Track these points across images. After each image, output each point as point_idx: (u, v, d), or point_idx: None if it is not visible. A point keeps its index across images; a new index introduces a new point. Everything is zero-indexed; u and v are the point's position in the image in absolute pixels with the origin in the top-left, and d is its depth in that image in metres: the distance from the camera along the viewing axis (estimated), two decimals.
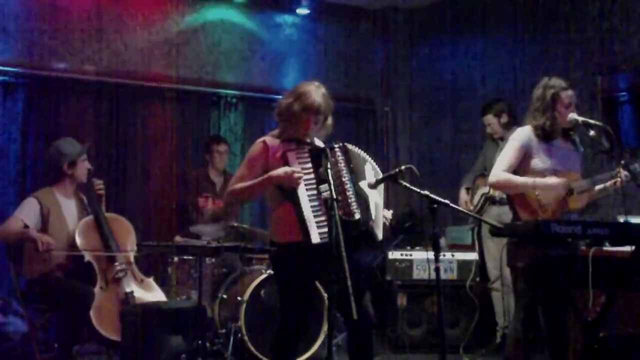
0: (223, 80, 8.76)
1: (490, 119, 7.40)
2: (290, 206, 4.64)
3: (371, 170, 4.84)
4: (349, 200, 4.62)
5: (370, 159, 4.90)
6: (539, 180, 4.91)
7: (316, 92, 4.72)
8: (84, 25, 7.97)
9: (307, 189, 4.60)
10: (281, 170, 4.59)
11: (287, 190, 4.65)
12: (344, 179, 4.65)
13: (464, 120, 9.01)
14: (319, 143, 4.81)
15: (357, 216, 4.63)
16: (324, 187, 4.53)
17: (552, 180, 4.90)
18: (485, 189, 7.27)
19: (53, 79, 7.77)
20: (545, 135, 5.00)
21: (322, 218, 4.56)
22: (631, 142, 7.17)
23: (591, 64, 7.65)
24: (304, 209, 4.55)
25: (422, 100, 9.69)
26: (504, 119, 7.33)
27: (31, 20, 7.71)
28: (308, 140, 4.73)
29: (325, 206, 4.52)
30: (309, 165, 4.64)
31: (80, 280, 6.02)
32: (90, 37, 8.02)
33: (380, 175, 4.82)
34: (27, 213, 6.02)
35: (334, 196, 4.35)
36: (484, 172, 7.45)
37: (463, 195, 7.62)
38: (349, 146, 4.81)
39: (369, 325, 4.72)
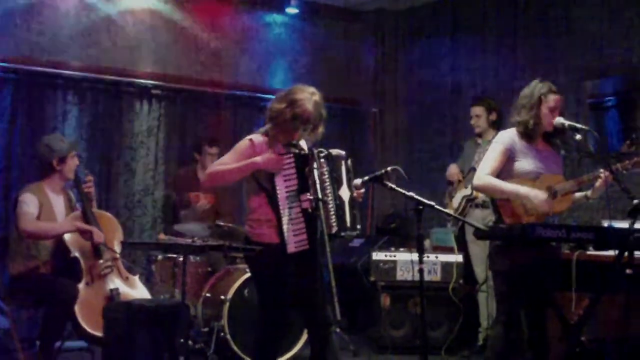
0: (211, 78, 8.75)
1: (480, 110, 7.41)
2: (267, 203, 4.69)
3: (344, 168, 4.88)
4: (329, 213, 4.67)
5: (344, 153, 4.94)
6: (523, 189, 4.90)
7: (309, 101, 4.73)
8: (72, 21, 7.96)
9: (287, 196, 4.64)
10: (265, 156, 4.65)
11: (265, 188, 4.70)
12: (327, 191, 4.69)
13: (452, 123, 9.02)
14: (304, 145, 4.83)
15: (335, 229, 4.73)
16: (304, 196, 4.58)
17: (536, 194, 4.89)
18: (467, 192, 7.27)
19: (40, 75, 7.75)
20: (527, 134, 5.02)
21: (300, 226, 4.62)
22: (617, 146, 7.19)
23: (578, 69, 7.68)
24: (282, 216, 4.63)
25: (410, 102, 9.70)
26: (493, 116, 7.37)
27: (19, 15, 7.69)
28: (294, 143, 4.75)
29: (304, 214, 4.59)
30: (293, 171, 4.68)
31: (66, 276, 6.01)
32: (79, 33, 8.00)
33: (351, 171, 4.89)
34: (33, 208, 6.00)
35: (320, 196, 4.41)
36: (462, 173, 7.48)
37: (454, 167, 7.65)
38: (333, 153, 4.84)
39: (329, 325, 4.75)
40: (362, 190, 4.91)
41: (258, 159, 4.67)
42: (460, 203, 7.33)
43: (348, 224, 4.80)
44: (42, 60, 7.77)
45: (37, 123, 7.68)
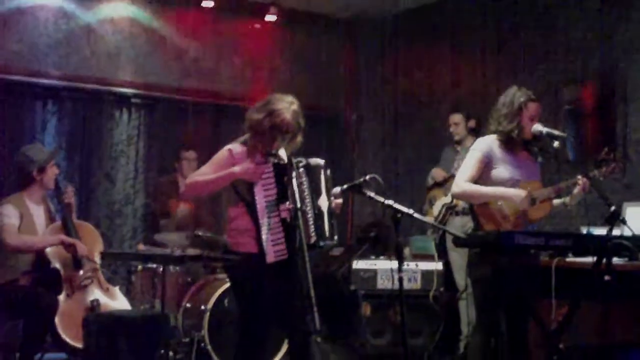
0: (191, 87, 8.74)
1: (458, 118, 7.45)
2: (246, 212, 4.69)
3: (323, 178, 4.87)
4: (308, 223, 4.67)
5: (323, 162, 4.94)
6: (502, 190, 4.93)
7: (287, 110, 4.73)
8: (51, 30, 7.93)
9: (266, 205, 4.64)
10: (244, 166, 4.65)
11: (243, 197, 4.70)
12: (306, 200, 4.69)
13: (430, 130, 9.02)
14: (284, 154, 4.83)
15: (313, 239, 4.71)
16: (283, 206, 4.58)
17: (515, 192, 4.91)
18: (447, 199, 7.29)
19: (19, 84, 7.72)
20: (508, 143, 5.03)
21: (279, 236, 4.63)
22: (595, 153, 7.20)
23: (556, 76, 7.70)
24: (261, 226, 4.62)
25: (388, 109, 9.71)
26: (472, 123, 7.41)
27: None
28: (273, 152, 4.75)
29: (283, 224, 4.62)
30: (272, 181, 4.67)
31: (46, 288, 5.98)
32: (58, 42, 7.98)
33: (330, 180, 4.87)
34: (15, 220, 5.96)
35: (299, 206, 4.42)
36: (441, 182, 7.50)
37: (437, 170, 7.65)
38: (312, 162, 4.83)
39: (309, 334, 4.75)
40: (340, 200, 4.92)
41: (236, 168, 4.67)
42: (440, 211, 7.34)
43: (327, 234, 4.79)
44: (21, 69, 7.75)
45: (15, 132, 7.65)
